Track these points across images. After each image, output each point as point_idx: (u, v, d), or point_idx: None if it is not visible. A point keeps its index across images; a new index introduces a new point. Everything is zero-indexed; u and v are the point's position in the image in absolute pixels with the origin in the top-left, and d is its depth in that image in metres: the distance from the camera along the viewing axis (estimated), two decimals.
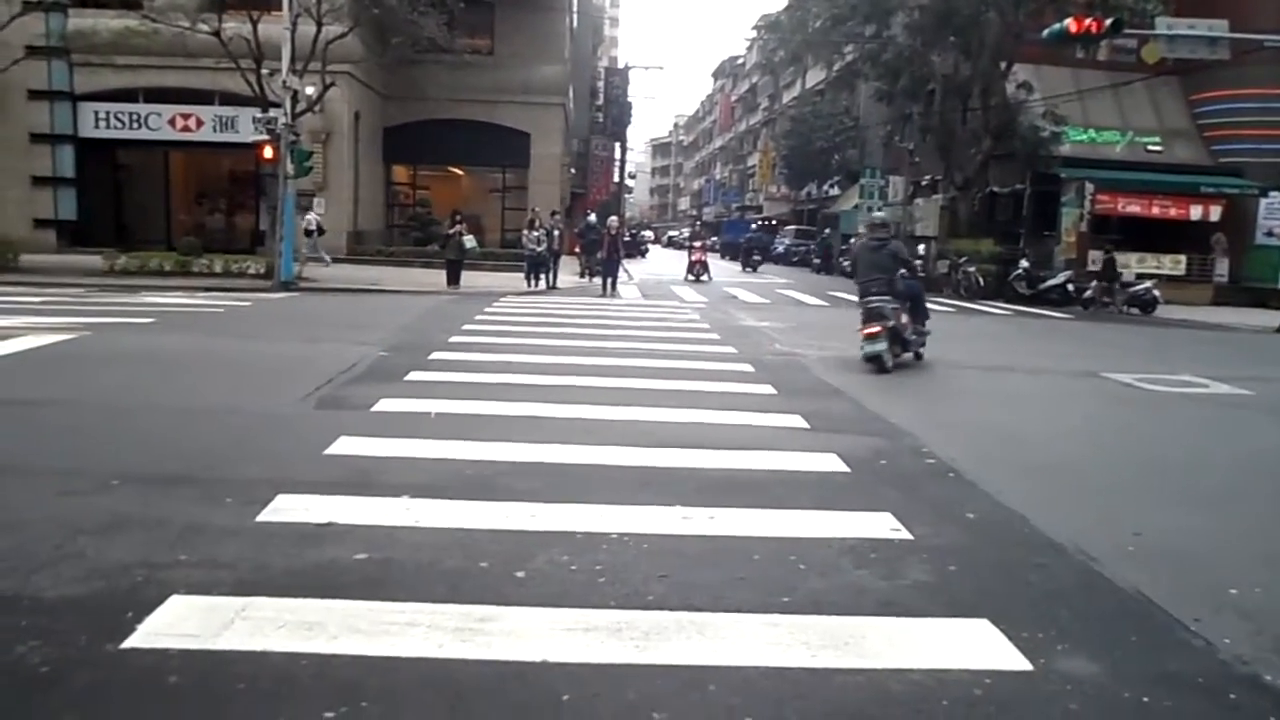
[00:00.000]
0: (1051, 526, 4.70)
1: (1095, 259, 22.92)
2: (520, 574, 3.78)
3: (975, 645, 3.33)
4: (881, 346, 10.04)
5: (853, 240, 29.60)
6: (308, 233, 22.07)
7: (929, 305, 11.68)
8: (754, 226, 49.08)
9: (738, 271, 34.30)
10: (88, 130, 24.62)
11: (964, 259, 24.48)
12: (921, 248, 27.54)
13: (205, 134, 24.81)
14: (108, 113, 24.62)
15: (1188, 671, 3.21)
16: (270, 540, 4.03)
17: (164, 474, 4.99)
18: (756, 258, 35.61)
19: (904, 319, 10.44)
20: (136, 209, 26.35)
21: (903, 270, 10.69)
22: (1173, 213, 25.06)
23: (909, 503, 5.01)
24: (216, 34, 18.15)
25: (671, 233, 76.28)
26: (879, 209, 32.31)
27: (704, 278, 25.98)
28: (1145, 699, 2.99)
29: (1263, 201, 24.15)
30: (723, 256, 47.70)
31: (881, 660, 3.16)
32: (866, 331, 10.21)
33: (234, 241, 25.28)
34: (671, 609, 3.49)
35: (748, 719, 2.76)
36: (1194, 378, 10.57)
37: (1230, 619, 3.69)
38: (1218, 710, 2.98)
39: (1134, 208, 25.16)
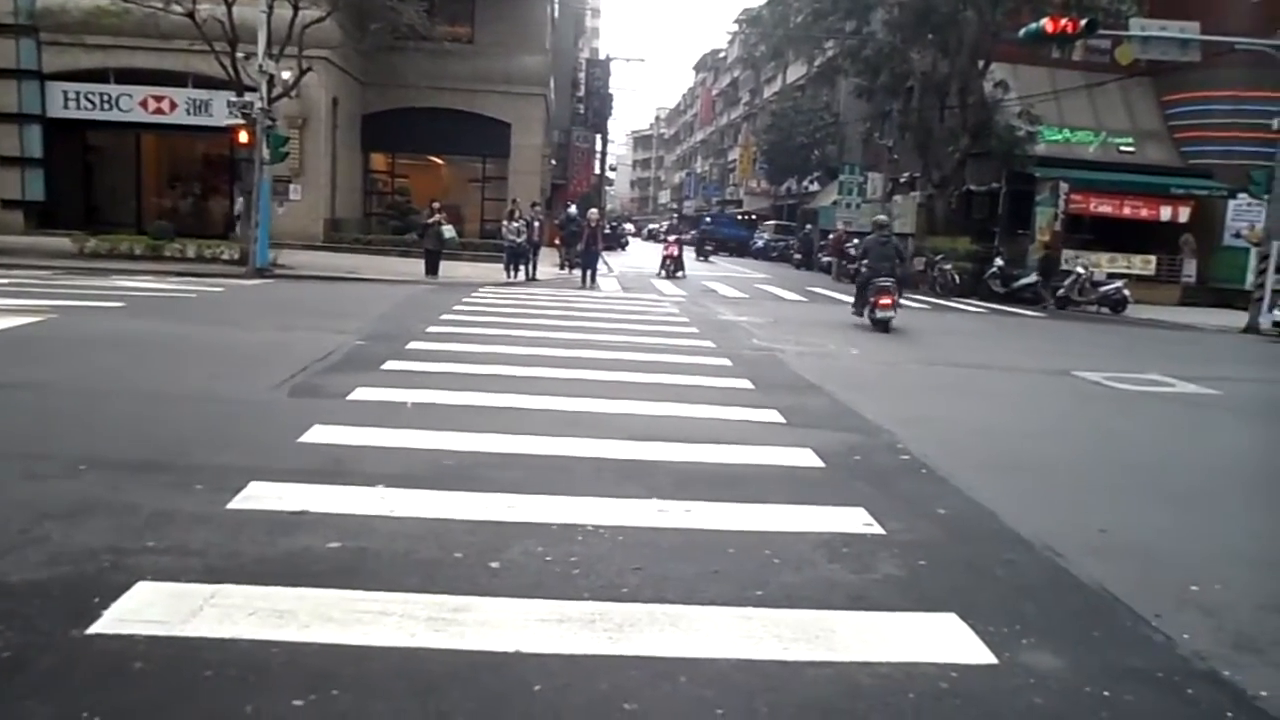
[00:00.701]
0: (1020, 522, 4.77)
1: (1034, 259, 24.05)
2: (495, 564, 3.79)
3: (943, 639, 3.37)
4: (892, 314, 14.10)
5: (831, 235, 30.02)
6: (238, 217, 21.92)
7: (907, 302, 14.76)
8: (707, 219, 50.29)
9: (716, 265, 34.36)
10: (56, 110, 24.18)
11: (940, 256, 24.66)
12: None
13: (178, 116, 24.45)
14: (77, 93, 24.19)
15: (1148, 666, 3.27)
16: (242, 528, 4.01)
17: (134, 459, 4.94)
18: (709, 247, 39.92)
19: (898, 295, 14.45)
20: (107, 191, 25.96)
21: (897, 260, 14.93)
22: (1143, 213, 25.39)
23: (882, 498, 5.06)
24: (190, 15, 17.87)
25: (652, 225, 76.22)
26: (857, 205, 32.59)
27: (679, 274, 25.13)
28: (1106, 693, 3.04)
29: (1231, 203, 24.52)
30: (699, 253, 47.76)
31: (851, 653, 3.20)
32: (881, 302, 14.03)
33: (207, 226, 24.95)
34: (645, 601, 3.51)
35: (719, 711, 2.78)
36: (1161, 377, 10.73)
37: (1191, 615, 3.76)
38: (1176, 705, 3.03)
39: (1106, 208, 25.47)
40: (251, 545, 3.83)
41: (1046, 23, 17.59)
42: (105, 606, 3.16)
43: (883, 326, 13.93)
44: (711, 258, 38.72)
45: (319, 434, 5.68)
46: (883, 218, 16.43)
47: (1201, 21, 19.08)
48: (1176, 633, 3.55)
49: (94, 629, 3.02)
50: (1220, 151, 25.36)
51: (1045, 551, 4.38)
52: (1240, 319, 18.91)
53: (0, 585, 3.30)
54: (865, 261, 14.86)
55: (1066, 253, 24.60)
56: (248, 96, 17.74)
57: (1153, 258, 25.54)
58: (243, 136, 17.71)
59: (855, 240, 29.89)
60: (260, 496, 4.41)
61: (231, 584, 3.41)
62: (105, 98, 24.30)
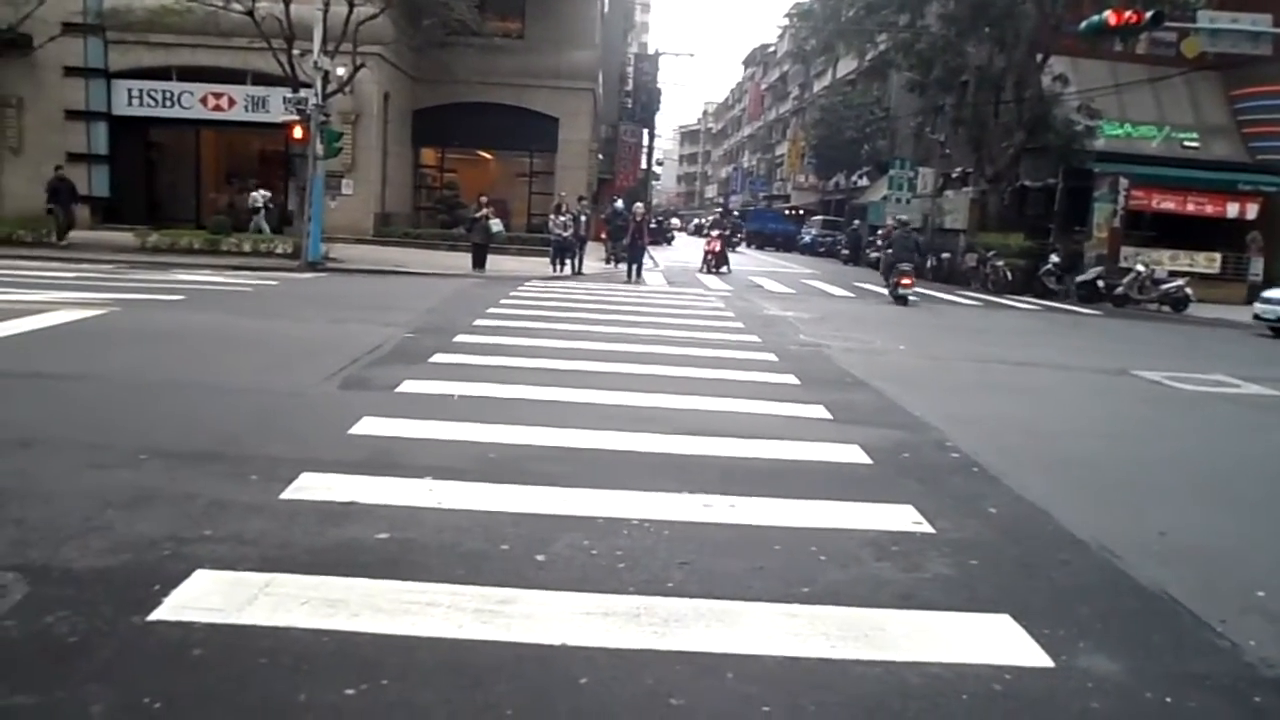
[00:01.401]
0: (1075, 523, 4.66)
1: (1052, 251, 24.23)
2: (541, 557, 3.80)
3: (996, 640, 3.31)
4: (910, 292, 18.40)
5: (880, 231, 29.81)
6: (254, 210, 22.36)
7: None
8: (734, 212, 50.19)
9: (762, 260, 34.16)
10: (121, 108, 24.84)
11: (992, 253, 24.24)
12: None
13: (236, 113, 24.96)
14: (141, 90, 24.82)
15: (1212, 673, 3.17)
16: (294, 518, 4.07)
17: (191, 450, 5.05)
18: (737, 239, 41.12)
19: (915, 278, 18.89)
20: (168, 187, 26.59)
21: (915, 251, 19.88)
22: (1208, 210, 24.65)
23: (931, 496, 4.98)
24: (249, 13, 18.23)
25: (697, 220, 76.07)
26: (908, 200, 32.14)
27: (722, 269, 24.82)
28: (1168, 699, 2.96)
29: None
30: (748, 245, 47.56)
31: (900, 653, 3.15)
32: (903, 281, 18.30)
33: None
34: (691, 596, 3.50)
35: (765, 708, 2.76)
36: (1225, 377, 10.42)
37: (1257, 621, 3.64)
38: (1241, 713, 2.94)
39: (1168, 204, 24.77)
40: (303, 535, 3.89)
41: (1109, 15, 17.12)
42: (165, 594, 3.23)
43: (902, 301, 18.19)
44: (741, 249, 39.30)
45: (368, 426, 5.75)
46: (904, 217, 21.79)
47: (1273, 14, 18.44)
48: (1242, 639, 3.44)
49: (154, 616, 3.08)
50: None
51: (1102, 553, 4.28)
52: None
53: (65, 572, 3.39)
54: (890, 251, 19.98)
55: (1126, 250, 23.99)
56: (303, 93, 18.03)
57: (1217, 255, 24.76)
58: (297, 132, 18.02)
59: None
60: (311, 487, 4.48)
61: (285, 573, 3.47)
62: (168, 95, 24.90)
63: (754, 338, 11.57)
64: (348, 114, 23.44)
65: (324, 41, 17.89)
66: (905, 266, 18.39)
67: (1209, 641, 3.44)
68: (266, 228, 22.43)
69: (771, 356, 9.98)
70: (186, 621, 3.05)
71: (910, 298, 18.30)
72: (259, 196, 22.80)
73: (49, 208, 19.47)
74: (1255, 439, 7.66)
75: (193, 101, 24.92)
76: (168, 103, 24.95)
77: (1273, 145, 25.08)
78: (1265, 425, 8.25)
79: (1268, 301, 17.19)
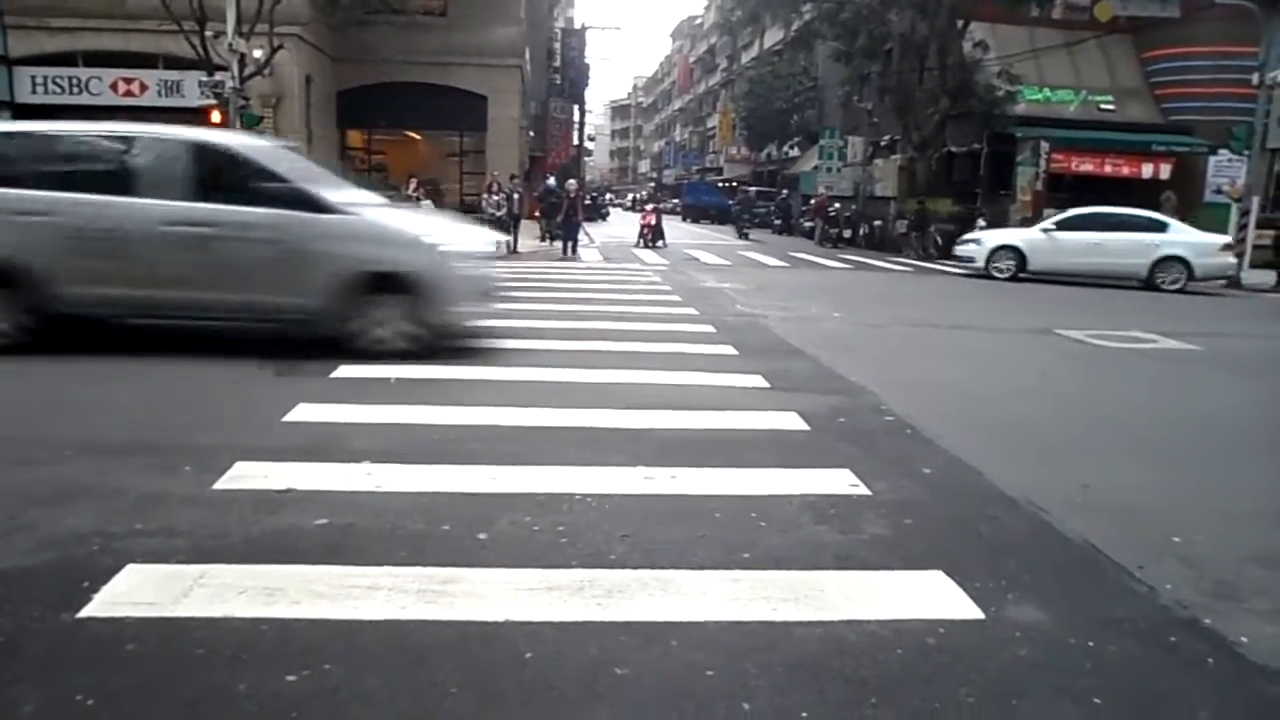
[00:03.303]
0: (1005, 480, 4.81)
1: (909, 210, 26.18)
2: (482, 536, 3.80)
3: (929, 596, 3.41)
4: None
5: (812, 200, 30.44)
6: None
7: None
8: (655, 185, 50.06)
9: (698, 234, 34.27)
10: (25, 96, 23.70)
11: (917, 210, 24.86)
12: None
13: (150, 99, 24.02)
14: (45, 77, 23.74)
15: (1131, 617, 3.32)
16: (229, 508, 4.00)
17: (119, 442, 4.92)
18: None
19: None
20: None
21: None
22: (1125, 171, 25.46)
23: (867, 459, 5.09)
24: None
25: (632, 194, 75.87)
26: (839, 169, 32.52)
27: (659, 243, 24.73)
28: (1090, 643, 3.09)
29: (1212, 159, 24.56)
30: (684, 219, 47.71)
31: (839, 612, 3.23)
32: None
33: None
34: (633, 567, 3.54)
35: (709, 672, 2.81)
36: (1141, 333, 10.82)
37: (1173, 566, 3.81)
38: (1159, 653, 3.09)
39: (1087, 166, 25.52)
40: (239, 525, 3.82)
41: None
42: (95, 590, 3.16)
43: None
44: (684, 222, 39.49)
45: (304, 412, 5.66)
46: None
47: None
48: (1159, 583, 3.61)
49: (85, 612, 3.01)
50: (1201, 108, 25.40)
51: (1030, 508, 4.43)
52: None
53: None
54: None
55: (1049, 212, 24.58)
56: (219, 76, 17.50)
57: None
58: (215, 117, 17.48)
59: (837, 204, 29.98)
60: (246, 476, 4.40)
61: (220, 564, 3.41)
62: (74, 81, 23.86)
63: (691, 310, 11.63)
64: (268, 97, 22.77)
65: (238, 23, 17.36)
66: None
67: (1128, 587, 3.60)
68: None
69: (709, 328, 10.06)
70: (118, 617, 2.99)
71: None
72: None
73: None
74: (1172, 392, 7.98)
75: (102, 88, 23.91)
76: (75, 89, 23.91)
77: (1183, 106, 25.96)
78: (1181, 378, 8.60)
79: (965, 242, 19.87)
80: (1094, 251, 18.01)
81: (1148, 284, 17.62)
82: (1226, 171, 23.71)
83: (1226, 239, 18.49)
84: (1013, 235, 19.49)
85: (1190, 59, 25.56)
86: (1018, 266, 18.56)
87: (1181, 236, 17.90)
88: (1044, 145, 25.09)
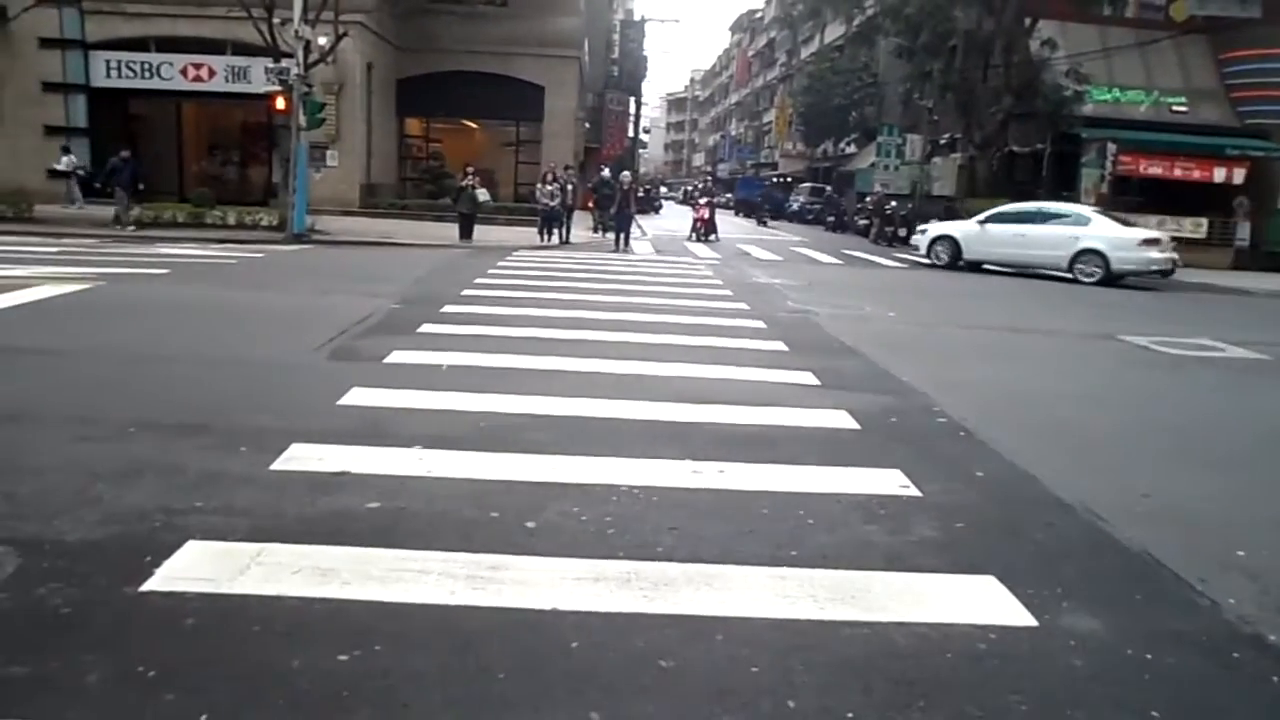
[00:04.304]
0: (1061, 486, 4.71)
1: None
2: (531, 524, 3.83)
3: (981, 601, 3.36)
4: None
5: (868, 198, 30.19)
6: (62, 174, 21.75)
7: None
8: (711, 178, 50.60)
9: (752, 228, 34.11)
10: (99, 80, 24.48)
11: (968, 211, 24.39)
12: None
13: (217, 84, 24.65)
14: (119, 62, 24.46)
15: (1191, 630, 3.23)
16: (285, 488, 4.08)
17: (180, 422, 5.05)
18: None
19: None
20: (150, 160, 26.18)
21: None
22: (1195, 175, 24.65)
23: (919, 460, 5.02)
24: None
25: (686, 187, 75.67)
26: (896, 167, 32.08)
27: (711, 237, 24.78)
28: (1148, 656, 3.01)
29: None
30: (737, 213, 47.48)
31: (887, 614, 3.19)
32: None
33: (247, 193, 25.24)
34: (680, 560, 3.53)
35: (754, 669, 2.80)
36: (1211, 341, 10.50)
37: (1236, 579, 3.70)
38: (1220, 668, 3.00)
39: (1156, 169, 24.76)
40: (294, 505, 3.90)
41: None
42: (157, 565, 3.25)
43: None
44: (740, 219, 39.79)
45: (357, 396, 5.76)
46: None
47: None
48: (1221, 597, 3.50)
49: (147, 586, 3.10)
50: (1277, 111, 24.50)
51: (1087, 515, 4.33)
52: None
53: (57, 544, 3.40)
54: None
55: (1113, 215, 24.01)
56: (284, 63, 17.81)
57: (1204, 221, 24.79)
58: (280, 103, 17.81)
59: (894, 202, 29.54)
60: (302, 458, 4.49)
61: (276, 543, 3.48)
62: (146, 66, 24.54)
63: (743, 305, 11.58)
64: (330, 84, 23.17)
65: (304, 10, 17.65)
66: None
67: (1189, 600, 3.50)
68: (79, 197, 21.31)
69: (760, 324, 10.00)
70: (179, 592, 3.07)
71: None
72: (70, 160, 21.76)
73: (108, 188, 18.43)
74: (1237, 401, 7.74)
75: (172, 73, 24.57)
76: (147, 74, 24.59)
77: (1261, 109, 25.08)
78: (1246, 387, 8.33)
79: (921, 232, 21.28)
80: (1019, 243, 18.89)
81: (1068, 275, 18.09)
82: None
83: (1149, 234, 18.53)
84: (951, 227, 20.87)
85: (1269, 61, 24.65)
86: (954, 255, 19.88)
87: (1100, 231, 18.16)
88: (1111, 147, 24.41)
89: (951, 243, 20.00)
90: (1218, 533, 4.25)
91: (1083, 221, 18.53)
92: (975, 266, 19.62)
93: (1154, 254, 17.92)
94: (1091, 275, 17.88)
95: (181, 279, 11.39)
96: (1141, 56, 25.91)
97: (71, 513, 3.69)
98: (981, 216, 20.02)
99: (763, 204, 40.83)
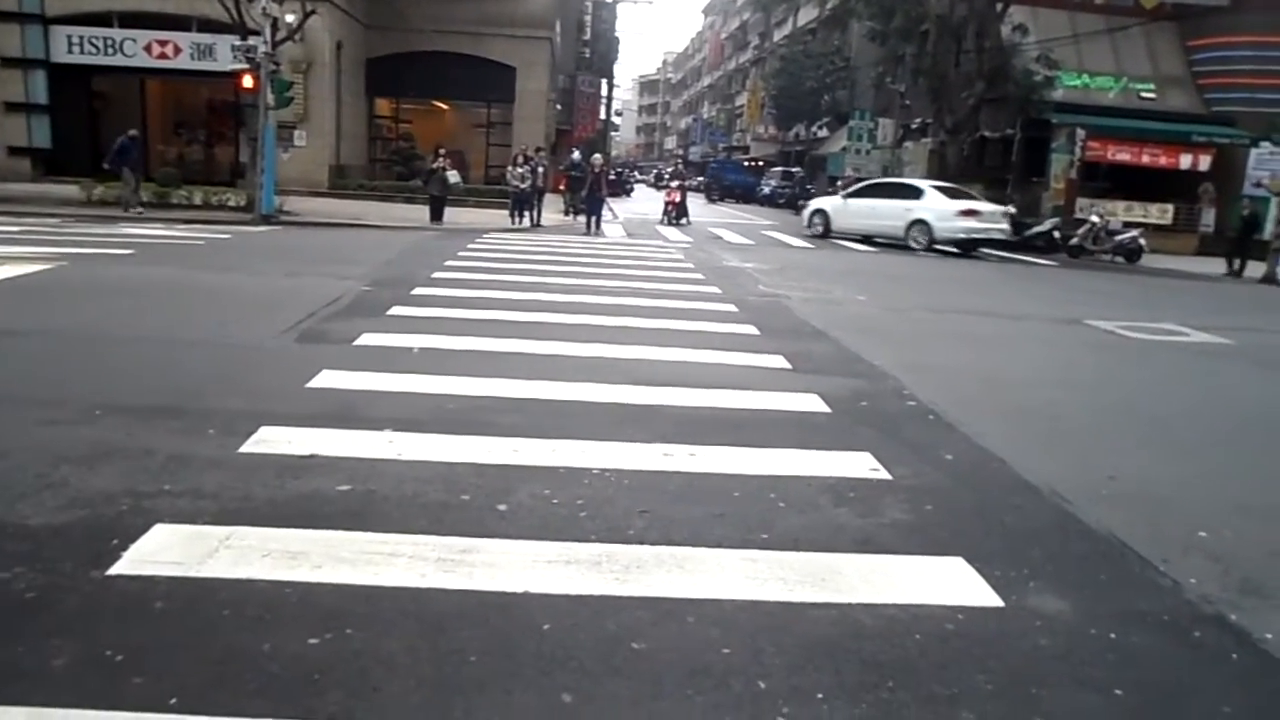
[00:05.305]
0: (1028, 469, 4.78)
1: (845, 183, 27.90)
2: (502, 507, 3.82)
3: (949, 582, 3.40)
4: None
5: (840, 182, 30.52)
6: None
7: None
8: (713, 164, 53.21)
9: (723, 211, 34.11)
10: (60, 55, 23.91)
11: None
12: None
13: (183, 61, 24.17)
14: (81, 37, 23.91)
15: (1154, 610, 3.30)
16: (254, 471, 4.04)
17: (146, 405, 4.98)
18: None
19: None
20: (113, 138, 25.65)
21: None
22: (1162, 161, 24.98)
23: (888, 443, 5.07)
24: None
25: (655, 170, 75.45)
26: (868, 151, 32.18)
27: (683, 221, 24.85)
28: (1112, 635, 3.07)
29: (1253, 152, 24.04)
30: (708, 198, 47.43)
31: (857, 595, 3.23)
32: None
33: (213, 173, 24.83)
34: (651, 543, 3.54)
35: (725, 650, 2.82)
36: (1175, 326, 10.67)
37: (1198, 560, 3.77)
38: (1182, 647, 3.06)
39: (1124, 155, 25.06)
40: (263, 488, 3.87)
41: None
42: (124, 548, 3.21)
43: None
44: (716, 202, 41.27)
45: (327, 379, 5.71)
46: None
47: None
48: (1183, 577, 3.57)
49: (114, 570, 3.06)
50: (1244, 99, 24.83)
51: (1053, 498, 4.40)
52: (1258, 269, 18.70)
53: (21, 528, 3.35)
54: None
55: (1082, 200, 24.30)
56: (251, 40, 17.49)
57: (1170, 207, 25.15)
58: (247, 81, 17.52)
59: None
60: (271, 440, 4.45)
61: (246, 526, 3.45)
62: (109, 42, 24.02)
63: (714, 289, 11.59)
64: (299, 63, 22.82)
65: None
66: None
67: (1152, 580, 3.57)
68: None
69: (731, 307, 10.02)
70: (147, 575, 3.03)
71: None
72: None
73: (114, 169, 17.93)
74: (1201, 385, 7.88)
75: (136, 49, 24.07)
76: (110, 50, 24.07)
77: (1227, 96, 25.42)
78: (1210, 371, 8.48)
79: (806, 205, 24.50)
80: (871, 215, 21.24)
81: (904, 243, 20.15)
82: (1267, 164, 23.24)
83: (968, 206, 20.00)
84: (824, 201, 23.78)
85: (1236, 48, 24.99)
86: (825, 226, 22.38)
87: (929, 204, 20.07)
88: (1080, 133, 24.65)
89: (824, 215, 22.59)
90: (1181, 515, 4.33)
91: (917, 194, 20.52)
92: (840, 236, 21.90)
93: (972, 223, 19.68)
94: (919, 242, 19.86)
95: (147, 260, 11.21)
96: (1111, 43, 26.16)
97: (35, 496, 3.63)
98: (846, 192, 22.85)
99: (712, 183, 45.15)
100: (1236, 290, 17.03)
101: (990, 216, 19.99)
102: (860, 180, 30.74)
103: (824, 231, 22.29)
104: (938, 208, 19.88)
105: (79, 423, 4.60)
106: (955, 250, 20.01)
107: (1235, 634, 3.16)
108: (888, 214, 20.69)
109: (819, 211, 23.02)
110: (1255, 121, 23.60)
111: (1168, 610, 3.30)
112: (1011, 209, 23.00)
